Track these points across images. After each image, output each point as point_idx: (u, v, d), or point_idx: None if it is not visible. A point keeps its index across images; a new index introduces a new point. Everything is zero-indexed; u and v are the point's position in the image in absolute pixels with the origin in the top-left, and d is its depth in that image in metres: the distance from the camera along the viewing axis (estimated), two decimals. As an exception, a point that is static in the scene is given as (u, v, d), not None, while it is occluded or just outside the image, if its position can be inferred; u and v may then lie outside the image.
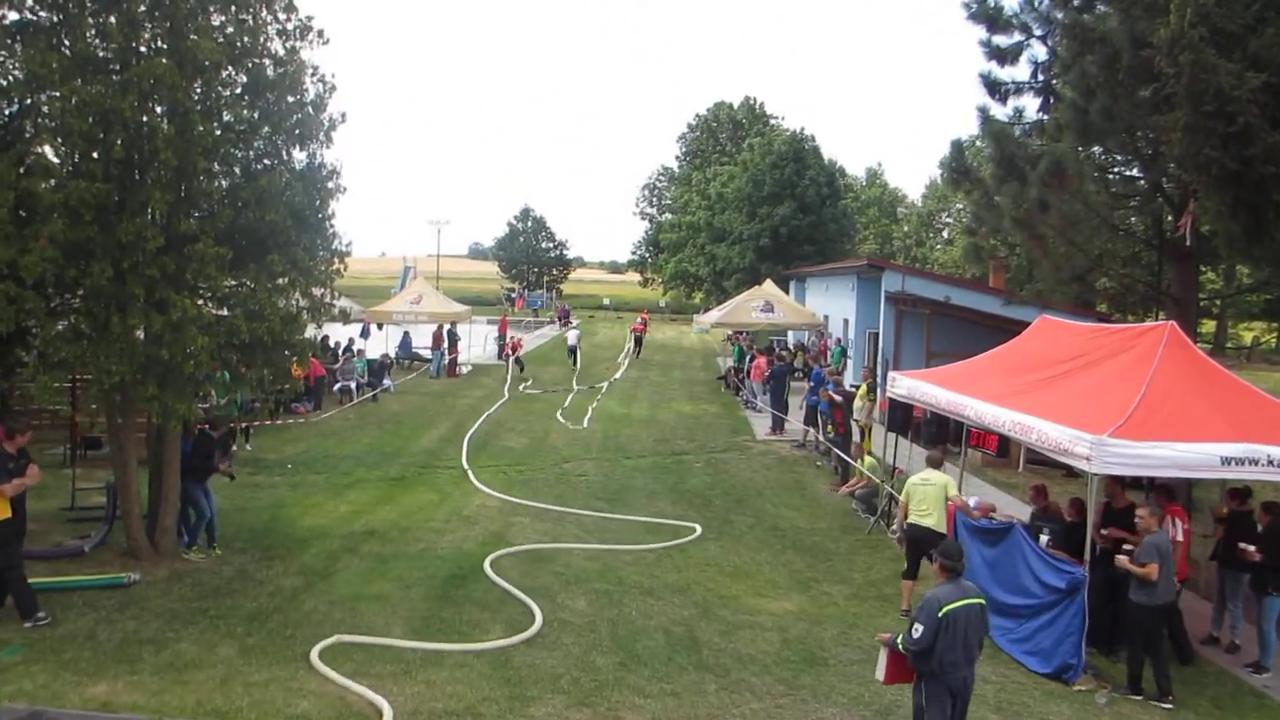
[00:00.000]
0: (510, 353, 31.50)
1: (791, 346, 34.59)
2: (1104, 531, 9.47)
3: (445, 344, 30.45)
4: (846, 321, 28.99)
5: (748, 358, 26.68)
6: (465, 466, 16.81)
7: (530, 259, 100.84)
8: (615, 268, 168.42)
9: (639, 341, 42.91)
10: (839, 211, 54.93)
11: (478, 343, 38.42)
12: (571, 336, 38.45)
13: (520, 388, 26.90)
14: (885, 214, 76.33)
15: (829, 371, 20.33)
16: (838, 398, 17.02)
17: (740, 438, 20.80)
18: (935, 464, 10.69)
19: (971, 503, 10.93)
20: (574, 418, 23.07)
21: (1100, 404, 8.98)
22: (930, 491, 10.32)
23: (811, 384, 20.40)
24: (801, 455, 18.81)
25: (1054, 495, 11.33)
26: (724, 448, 19.56)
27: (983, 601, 6.66)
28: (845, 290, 29.03)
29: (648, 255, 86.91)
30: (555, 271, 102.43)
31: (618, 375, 33.22)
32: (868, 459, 15.02)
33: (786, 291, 38.58)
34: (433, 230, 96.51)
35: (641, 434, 21.00)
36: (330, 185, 10.81)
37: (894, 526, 12.73)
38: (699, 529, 13.10)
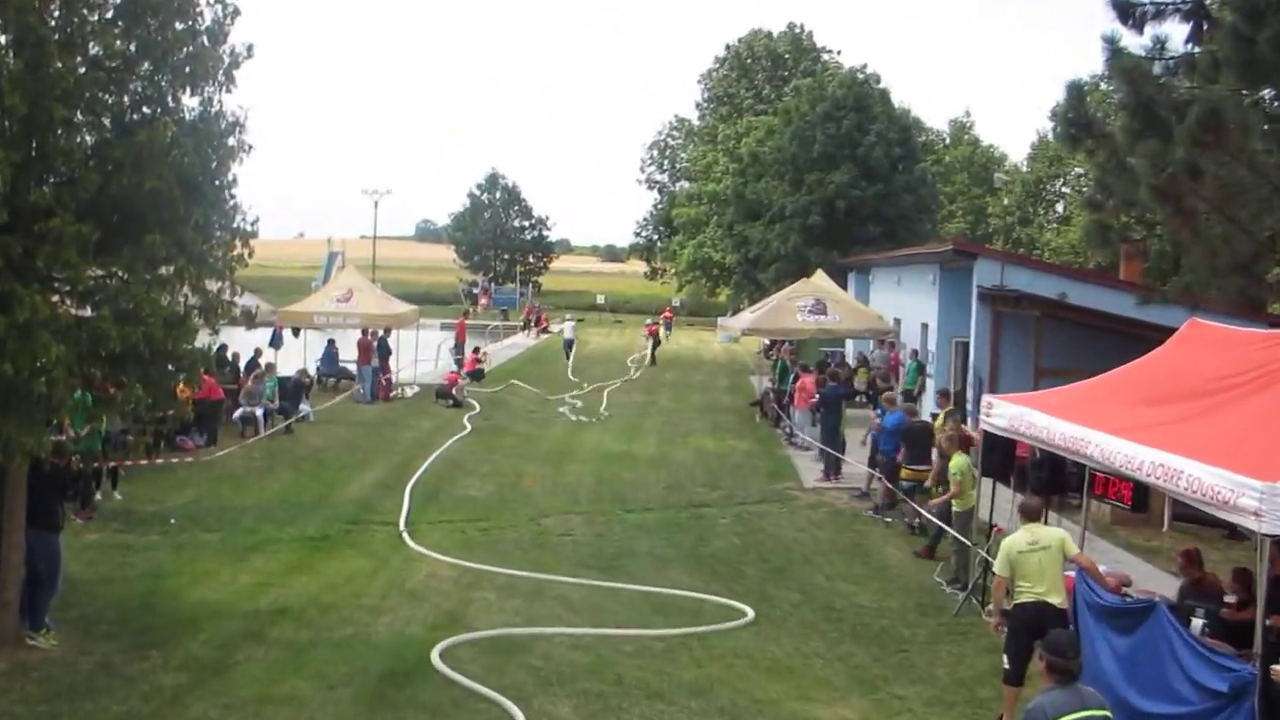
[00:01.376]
0: (451, 384, 30.92)
1: (852, 361, 34.59)
2: (1268, 622, 9.37)
3: (375, 356, 30.43)
4: (925, 327, 28.96)
5: (791, 376, 26.67)
6: (403, 527, 16.75)
7: (498, 242, 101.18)
8: (613, 254, 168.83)
9: (656, 343, 43.97)
10: (915, 179, 54.96)
11: (427, 354, 38.46)
12: (568, 329, 46.24)
13: (465, 419, 26.96)
14: (977, 181, 76.31)
15: (885, 398, 20.25)
16: (951, 418, 16.69)
17: (781, 484, 20.78)
18: (1034, 515, 10.60)
19: (1102, 570, 10.86)
20: (587, 412, 29.13)
21: (1273, 439, 8.93)
22: (1044, 558, 10.16)
23: (878, 411, 20.36)
24: (865, 508, 18.76)
25: (1211, 564, 11.25)
26: (759, 498, 19.53)
27: (1108, 713, 6.61)
28: (923, 285, 29.03)
29: (656, 237, 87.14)
30: (532, 259, 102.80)
31: (633, 375, 37.43)
32: (958, 457, 14.91)
33: (845, 287, 38.57)
34: (368, 203, 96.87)
35: (648, 478, 20.98)
36: (231, 142, 10.83)
37: (989, 609, 12.66)
38: (750, 613, 12.97)
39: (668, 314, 64.30)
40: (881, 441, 18.65)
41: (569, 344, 44.14)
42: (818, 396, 23.02)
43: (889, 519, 17.83)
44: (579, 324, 53.51)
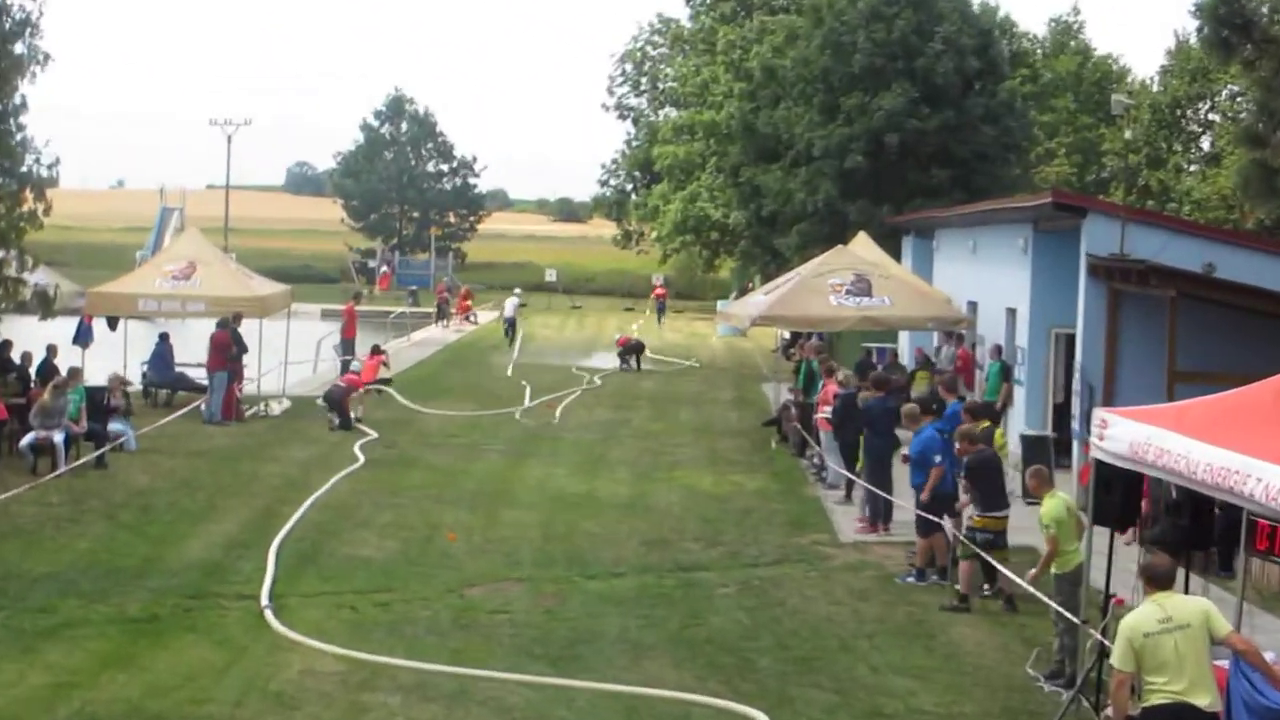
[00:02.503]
0: (351, 390, 31.02)
1: (908, 362, 34.64)
2: None
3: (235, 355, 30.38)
4: (1012, 313, 29.07)
5: (820, 384, 26.74)
6: (266, 603, 16.70)
7: (405, 194, 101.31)
8: (569, 211, 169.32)
9: (634, 350, 44.29)
10: (999, 103, 55.06)
11: (302, 354, 38.36)
12: (509, 305, 53.80)
13: (357, 447, 27.07)
14: (1088, 107, 76.61)
15: (905, 410, 20.20)
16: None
17: (808, 538, 20.84)
18: (1164, 580, 10.61)
19: (1269, 658, 10.89)
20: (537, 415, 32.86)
21: None
22: (1181, 642, 10.17)
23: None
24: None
25: None
26: (776, 557, 19.58)
27: None
28: (1010, 253, 29.12)
29: (630, 187, 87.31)
30: (454, 218, 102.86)
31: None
32: (1050, 501, 14.91)
33: (898, 256, 38.66)
34: (219, 139, 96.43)
35: (617, 531, 21.00)
36: (19, 49, 10.82)
37: (1108, 714, 12.72)
38: None
39: (659, 291, 64.57)
40: (910, 473, 18.69)
41: (510, 323, 52.17)
42: (833, 410, 22.99)
43: (957, 585, 17.83)
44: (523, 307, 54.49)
